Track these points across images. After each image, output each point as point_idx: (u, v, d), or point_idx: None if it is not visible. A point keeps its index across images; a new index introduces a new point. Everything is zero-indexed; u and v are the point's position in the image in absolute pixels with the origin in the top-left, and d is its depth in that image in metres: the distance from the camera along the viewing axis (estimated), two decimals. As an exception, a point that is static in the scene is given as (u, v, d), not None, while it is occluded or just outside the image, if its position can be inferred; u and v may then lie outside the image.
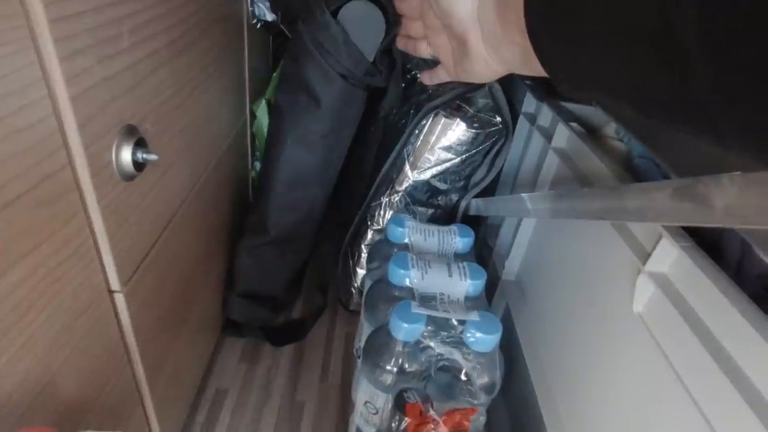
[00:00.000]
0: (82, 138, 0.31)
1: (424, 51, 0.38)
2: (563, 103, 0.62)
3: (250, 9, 0.70)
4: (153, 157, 0.39)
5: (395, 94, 0.70)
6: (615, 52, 0.17)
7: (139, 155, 0.38)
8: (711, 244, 0.34)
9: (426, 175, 0.74)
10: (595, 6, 0.17)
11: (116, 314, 0.41)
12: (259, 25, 0.74)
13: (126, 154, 0.37)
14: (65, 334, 0.33)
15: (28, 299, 0.29)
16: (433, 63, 0.38)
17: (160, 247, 0.46)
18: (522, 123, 0.73)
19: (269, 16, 0.73)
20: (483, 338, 0.46)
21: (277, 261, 0.75)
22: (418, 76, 0.78)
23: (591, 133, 0.56)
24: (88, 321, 0.36)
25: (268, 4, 0.72)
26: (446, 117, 0.70)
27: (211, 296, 0.69)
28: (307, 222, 0.74)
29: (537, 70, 0.24)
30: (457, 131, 0.70)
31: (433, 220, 0.78)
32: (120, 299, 0.40)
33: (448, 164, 0.73)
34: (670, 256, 0.35)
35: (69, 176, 0.32)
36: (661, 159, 0.42)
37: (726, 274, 0.31)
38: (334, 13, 0.59)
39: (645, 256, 0.37)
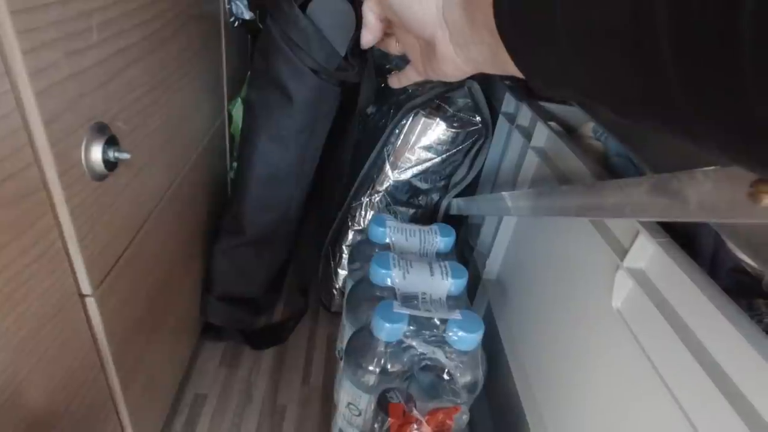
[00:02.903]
0: (49, 135, 0.30)
1: (393, 48, 0.38)
2: (542, 103, 0.63)
3: (227, 7, 0.69)
4: (125, 155, 0.38)
5: (369, 90, 0.69)
6: (587, 53, 0.17)
7: (111, 154, 0.37)
8: (686, 240, 0.35)
9: (407, 175, 0.74)
10: (566, 7, 0.17)
11: (88, 319, 0.39)
12: (236, 24, 0.72)
13: (96, 153, 0.36)
14: (32, 340, 0.32)
15: (-9, 304, 0.28)
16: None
17: (134, 249, 0.45)
18: (501, 122, 0.74)
19: (247, 15, 0.72)
20: (465, 337, 0.46)
21: (255, 262, 0.74)
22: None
23: (569, 133, 0.57)
24: (58, 326, 0.35)
25: (245, 2, 0.71)
26: (426, 117, 0.70)
27: (189, 299, 0.67)
28: (283, 221, 0.73)
29: (506, 69, 0.24)
30: (437, 131, 0.70)
31: (414, 219, 0.78)
32: (92, 303, 0.39)
33: (428, 164, 0.73)
34: (647, 252, 0.36)
35: (35, 175, 0.30)
36: (637, 155, 0.43)
37: (701, 269, 0.31)
38: (303, 7, 0.58)
39: (623, 252, 0.37)
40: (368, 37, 0.35)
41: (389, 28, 0.36)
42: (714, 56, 0.12)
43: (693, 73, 0.13)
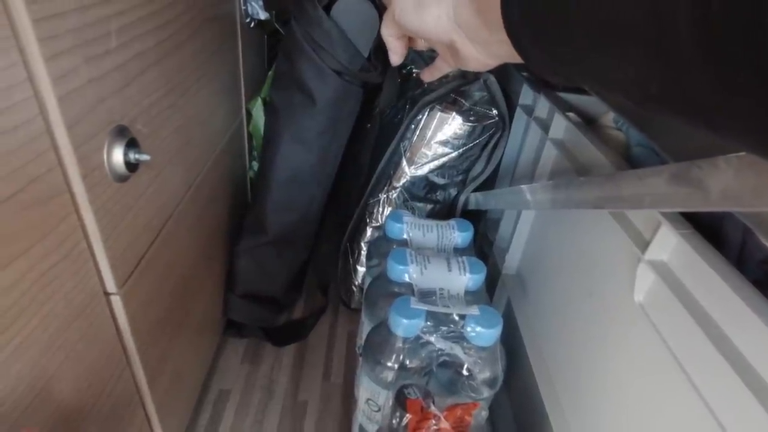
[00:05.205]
0: (71, 139, 0.31)
1: (420, 44, 0.38)
2: (560, 94, 0.61)
3: (243, 8, 0.70)
4: (145, 157, 0.39)
5: (391, 90, 0.69)
6: (604, 52, 0.17)
7: (132, 156, 0.38)
8: (712, 231, 0.34)
9: (423, 170, 0.73)
10: (581, 6, 0.17)
11: (113, 317, 0.40)
12: (252, 24, 0.73)
13: (118, 155, 0.37)
14: (60, 337, 0.33)
15: (20, 303, 0.29)
16: (428, 57, 0.38)
17: (157, 248, 0.46)
18: (519, 115, 0.72)
19: (262, 15, 0.73)
20: (483, 332, 0.46)
21: (276, 261, 0.75)
22: (414, 72, 0.78)
23: (589, 123, 0.55)
24: (84, 324, 0.36)
25: (261, 2, 0.72)
26: (442, 111, 0.69)
27: (212, 297, 0.69)
28: (305, 221, 0.74)
29: None
30: (453, 125, 0.70)
31: (432, 215, 0.78)
32: (117, 301, 0.40)
33: (445, 159, 0.72)
34: (669, 244, 0.34)
35: (59, 178, 0.32)
36: (657, 143, 0.42)
37: (727, 261, 0.30)
38: (327, 9, 0.58)
39: (644, 245, 0.36)
40: (395, 58, 0.38)
41: (412, 39, 0.37)
42: (741, 51, 0.12)
43: (718, 71, 0.13)
